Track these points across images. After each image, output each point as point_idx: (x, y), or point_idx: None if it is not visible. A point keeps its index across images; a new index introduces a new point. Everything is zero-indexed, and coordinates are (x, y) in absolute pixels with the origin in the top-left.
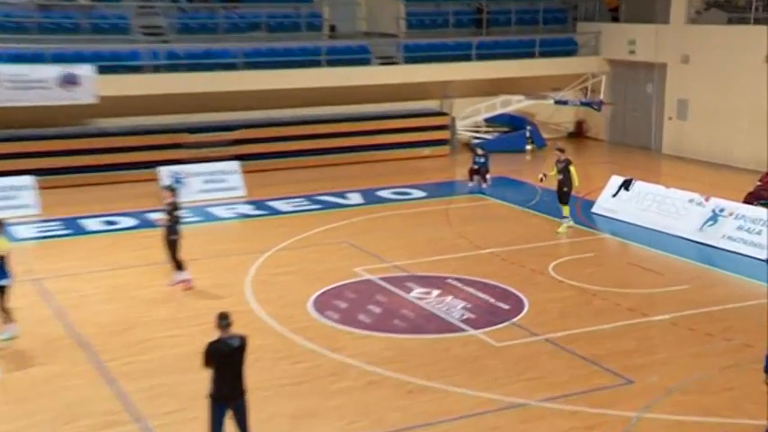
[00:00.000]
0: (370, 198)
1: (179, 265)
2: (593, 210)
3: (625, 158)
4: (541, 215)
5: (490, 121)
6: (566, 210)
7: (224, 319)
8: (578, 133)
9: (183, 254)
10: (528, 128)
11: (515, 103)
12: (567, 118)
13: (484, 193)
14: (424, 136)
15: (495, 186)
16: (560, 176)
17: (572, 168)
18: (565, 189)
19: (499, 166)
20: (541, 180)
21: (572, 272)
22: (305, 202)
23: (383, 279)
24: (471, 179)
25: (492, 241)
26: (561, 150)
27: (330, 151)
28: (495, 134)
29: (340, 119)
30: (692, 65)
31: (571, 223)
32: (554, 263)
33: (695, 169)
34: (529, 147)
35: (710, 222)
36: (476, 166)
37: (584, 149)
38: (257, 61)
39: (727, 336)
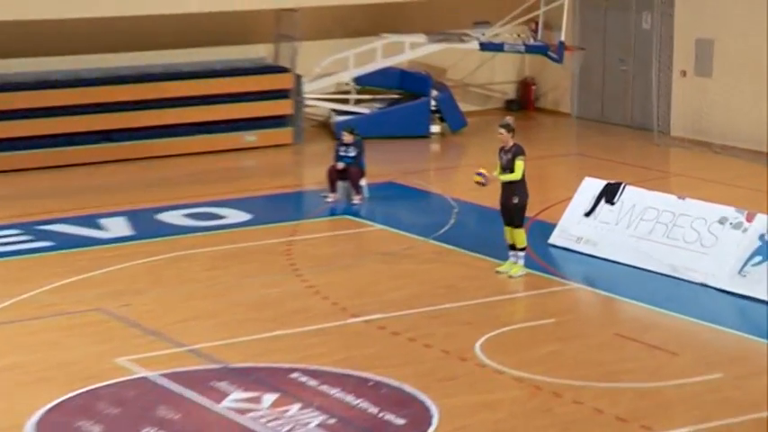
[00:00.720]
0: (146, 226)
1: None
2: (553, 240)
3: (607, 147)
4: (461, 251)
5: (366, 83)
6: (521, 236)
7: None
8: (523, 102)
9: None
10: (435, 94)
11: (411, 51)
12: (503, 75)
13: (356, 214)
14: (244, 110)
15: (377, 200)
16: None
17: (519, 162)
18: (515, 201)
19: (384, 164)
20: (482, 182)
21: (517, 353)
22: (18, 236)
23: (171, 377)
24: (333, 188)
25: (373, 301)
26: (509, 129)
27: (66, 140)
28: (376, 107)
29: (83, 80)
30: None
31: (521, 265)
32: (485, 337)
33: (729, 164)
34: (436, 128)
35: (757, 259)
36: (341, 165)
37: (534, 131)
38: None
39: None
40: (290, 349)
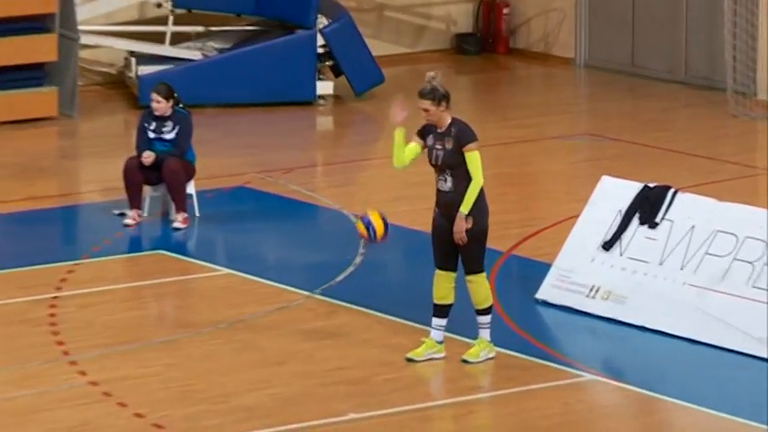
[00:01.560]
0: None
1: None
2: (545, 292)
3: (641, 121)
4: (376, 315)
5: (194, 5)
6: (481, 289)
7: None
8: (487, 39)
9: None
10: (324, 24)
11: None
12: None
13: (180, 248)
14: None
15: (220, 221)
16: (448, 179)
17: (473, 155)
18: (467, 225)
19: (233, 155)
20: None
21: None
22: None
23: None
24: (135, 200)
25: (213, 409)
26: (436, 97)
27: None
28: (214, 48)
29: None
30: None
31: (485, 341)
32: None
33: None
34: (327, 87)
35: None
36: (150, 157)
37: (507, 92)
38: None
39: None
40: None
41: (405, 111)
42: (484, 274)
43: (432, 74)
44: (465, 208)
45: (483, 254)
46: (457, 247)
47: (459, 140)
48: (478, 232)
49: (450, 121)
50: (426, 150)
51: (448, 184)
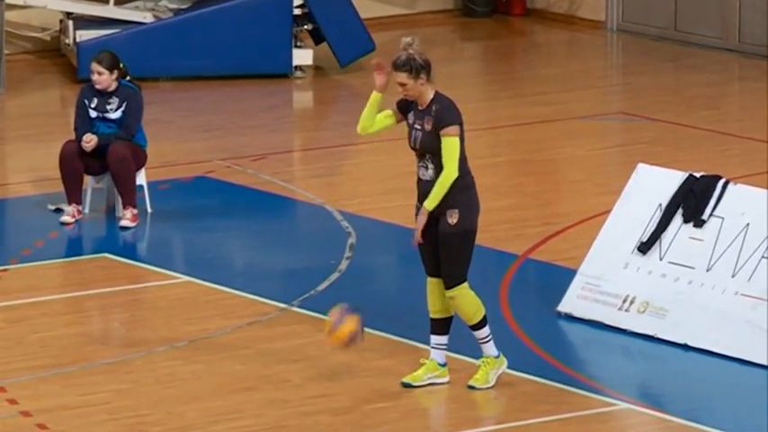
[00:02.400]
0: None
1: None
2: (567, 304)
3: (684, 97)
4: (367, 332)
5: None
6: (466, 302)
7: None
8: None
9: None
10: None
11: None
12: None
13: (129, 250)
14: None
15: (177, 218)
16: (429, 166)
17: (451, 141)
18: (452, 221)
19: (192, 139)
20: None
21: None
22: None
23: None
24: (74, 193)
25: None
26: (413, 69)
27: None
28: (169, 9)
29: None
30: None
31: (492, 358)
32: None
33: None
34: (306, 57)
35: None
36: (91, 141)
37: (523, 63)
38: None
39: None
40: None
41: (385, 74)
42: (466, 284)
43: (408, 40)
44: (430, 203)
45: (468, 261)
46: (438, 247)
47: (438, 121)
48: (464, 232)
49: (432, 96)
50: (407, 130)
51: (429, 173)
